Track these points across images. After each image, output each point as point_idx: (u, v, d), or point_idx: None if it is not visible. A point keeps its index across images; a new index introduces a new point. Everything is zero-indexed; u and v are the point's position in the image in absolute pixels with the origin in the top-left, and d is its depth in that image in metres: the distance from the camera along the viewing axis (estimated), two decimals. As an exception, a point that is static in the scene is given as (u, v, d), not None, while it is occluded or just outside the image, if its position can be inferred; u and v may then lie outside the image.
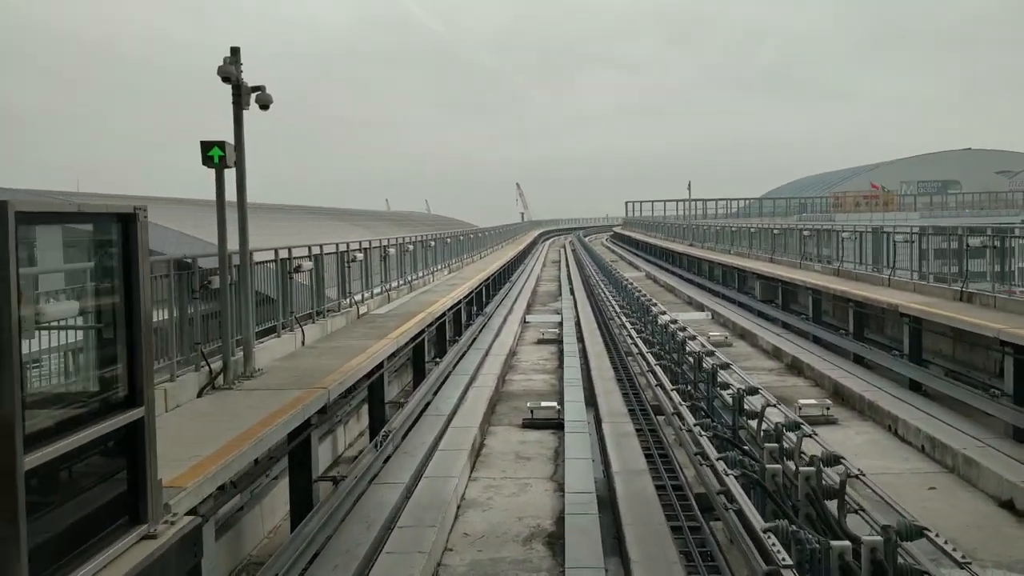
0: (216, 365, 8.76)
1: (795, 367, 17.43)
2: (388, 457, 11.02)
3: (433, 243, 23.87)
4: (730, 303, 27.78)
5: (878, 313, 18.00)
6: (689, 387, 12.38)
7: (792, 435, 8.11)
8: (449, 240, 27.36)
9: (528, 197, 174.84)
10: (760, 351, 19.85)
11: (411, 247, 20.30)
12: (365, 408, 12.75)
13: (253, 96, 9.26)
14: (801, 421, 8.21)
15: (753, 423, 9.72)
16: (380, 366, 11.55)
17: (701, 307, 27.99)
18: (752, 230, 30.44)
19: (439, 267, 25.35)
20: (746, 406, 9.82)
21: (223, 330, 8.83)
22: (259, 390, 8.62)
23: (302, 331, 11.57)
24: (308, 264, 11.99)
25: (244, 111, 9.26)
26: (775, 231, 27.52)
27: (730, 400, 10.15)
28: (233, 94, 9.20)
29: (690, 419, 9.22)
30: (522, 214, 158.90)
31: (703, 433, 8.20)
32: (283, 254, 11.54)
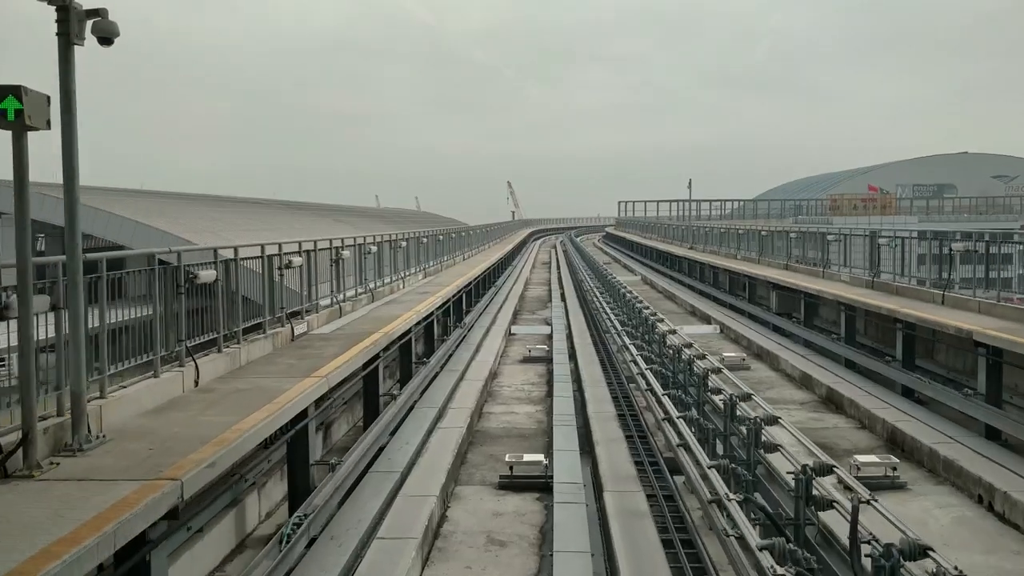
0: (11, 439, 5.61)
1: (832, 401, 14.36)
2: (313, 539, 7.91)
3: (405, 243, 20.68)
4: (740, 315, 24.75)
5: (927, 336, 15.00)
6: (720, 444, 9.26)
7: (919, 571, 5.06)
8: (425, 240, 24.15)
9: (519, 196, 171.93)
10: (784, 377, 16.79)
11: (374, 248, 17.10)
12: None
13: (89, 24, 6.09)
14: (930, 548, 5.12)
15: (826, 517, 6.68)
16: (302, 415, 8.40)
17: (707, 319, 24.93)
18: (763, 233, 27.39)
19: (412, 271, 22.19)
20: (815, 491, 6.77)
21: (21, 381, 5.67)
22: (72, 480, 5.45)
23: (195, 366, 8.40)
24: (209, 274, 8.82)
25: (76, 46, 6.10)
26: (792, 235, 24.48)
27: (789, 478, 7.07)
28: (58, 20, 6.03)
29: (748, 531, 6.07)
30: (513, 213, 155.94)
31: (779, 571, 5.07)
32: (172, 259, 8.37)
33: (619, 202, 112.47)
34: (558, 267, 50.52)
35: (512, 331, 23.49)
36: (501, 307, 28.39)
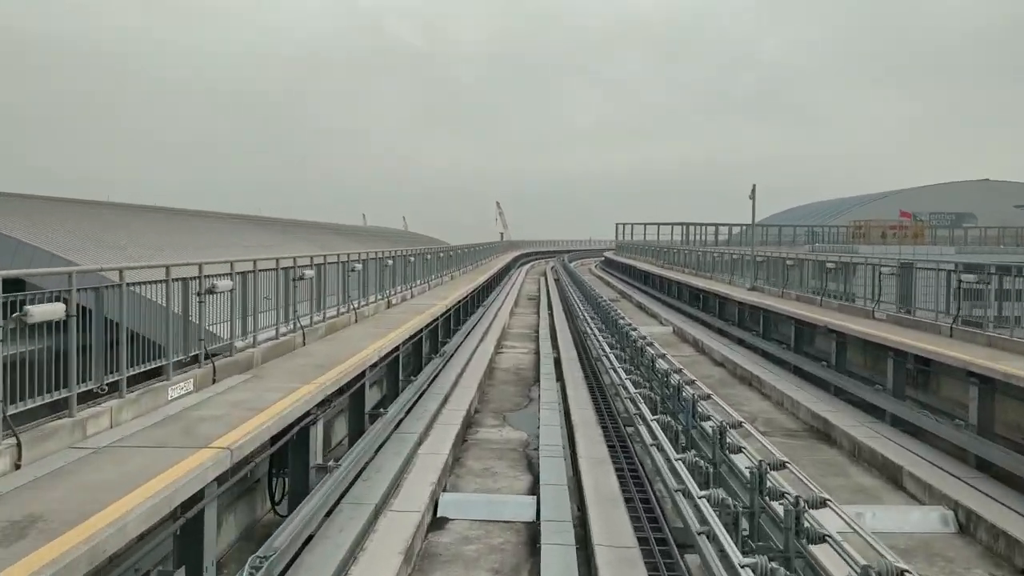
0: None
1: None
2: None
3: (197, 293, 6.56)
4: (938, 454, 10.76)
5: None
6: None
7: None
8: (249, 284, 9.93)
9: (509, 217, 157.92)
10: None
11: None
12: None
13: None
14: None
15: None
16: None
17: (890, 472, 10.87)
18: (968, 284, 13.31)
19: (276, 329, 8.04)
20: None
21: None
22: None
23: None
24: None
25: None
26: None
27: None
28: None
29: None
30: (501, 234, 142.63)
31: None
32: None
33: (617, 224, 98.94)
34: (549, 306, 36.37)
35: (439, 511, 9.37)
36: (444, 403, 14.30)
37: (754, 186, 25.77)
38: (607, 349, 17.44)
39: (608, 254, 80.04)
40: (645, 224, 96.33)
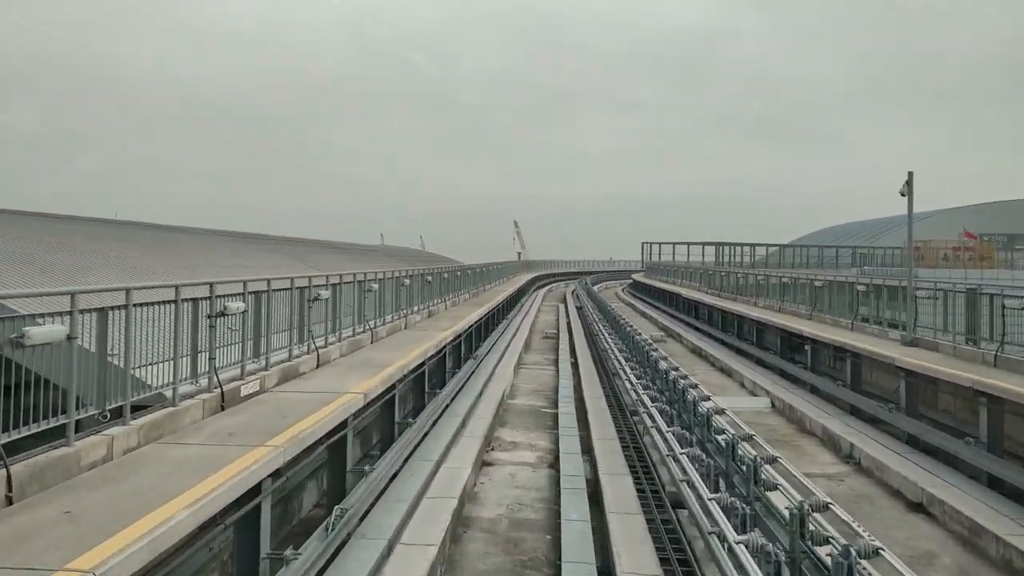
0: None
1: None
2: None
3: None
4: None
5: None
6: None
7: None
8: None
9: (527, 237, 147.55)
10: None
11: None
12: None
13: None
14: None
15: None
16: None
17: None
18: None
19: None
20: None
21: None
22: None
23: None
24: None
25: None
26: None
27: None
28: None
29: None
30: (519, 254, 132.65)
31: None
32: None
33: (643, 243, 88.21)
34: (572, 350, 25.85)
35: None
36: None
37: (910, 173, 15.31)
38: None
39: (637, 276, 69.37)
40: (674, 243, 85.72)
